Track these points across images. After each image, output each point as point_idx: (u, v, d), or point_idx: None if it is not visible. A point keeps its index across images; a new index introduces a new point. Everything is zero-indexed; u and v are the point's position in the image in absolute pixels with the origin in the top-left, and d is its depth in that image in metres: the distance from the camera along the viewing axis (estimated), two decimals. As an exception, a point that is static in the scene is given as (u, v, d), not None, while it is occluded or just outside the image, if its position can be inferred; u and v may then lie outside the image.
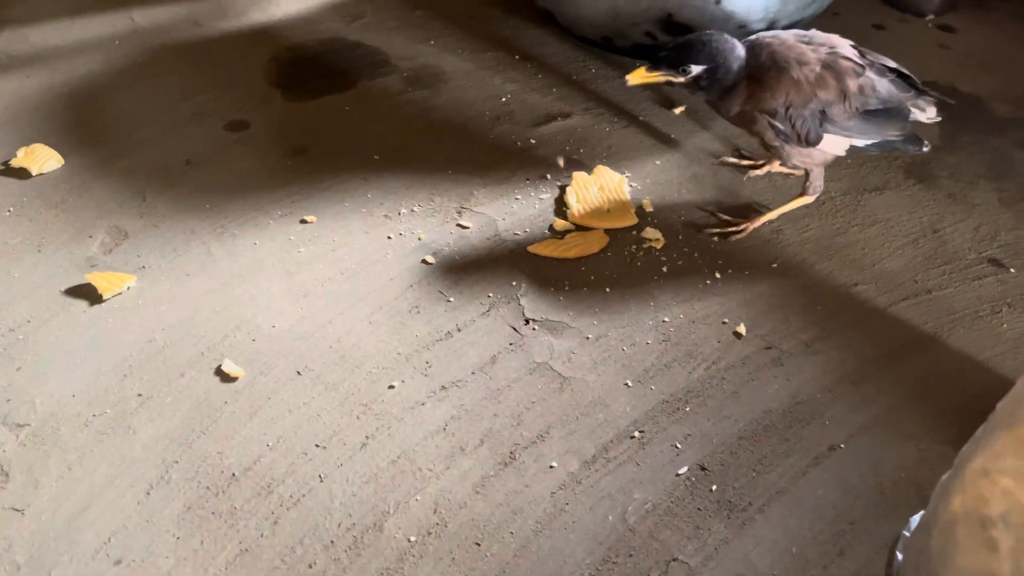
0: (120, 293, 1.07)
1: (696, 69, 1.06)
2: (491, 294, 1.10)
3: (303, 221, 1.19)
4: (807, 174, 1.16)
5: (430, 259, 1.14)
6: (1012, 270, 1.18)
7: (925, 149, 1.14)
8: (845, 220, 1.25)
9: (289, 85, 1.48)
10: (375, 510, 0.86)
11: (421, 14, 1.73)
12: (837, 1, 1.61)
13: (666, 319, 1.08)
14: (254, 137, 1.35)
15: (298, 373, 0.99)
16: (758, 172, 1.31)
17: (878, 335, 1.07)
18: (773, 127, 1.09)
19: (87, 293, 1.07)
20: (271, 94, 1.45)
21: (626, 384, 0.99)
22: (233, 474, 0.88)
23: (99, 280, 1.07)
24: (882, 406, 0.99)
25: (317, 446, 0.91)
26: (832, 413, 0.98)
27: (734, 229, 1.20)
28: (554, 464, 0.91)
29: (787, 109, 1.07)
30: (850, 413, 0.98)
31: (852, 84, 1.06)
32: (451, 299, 1.09)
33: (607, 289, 1.11)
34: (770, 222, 1.22)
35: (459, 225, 1.20)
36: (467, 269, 1.13)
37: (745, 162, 1.33)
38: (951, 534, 0.63)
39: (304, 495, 0.87)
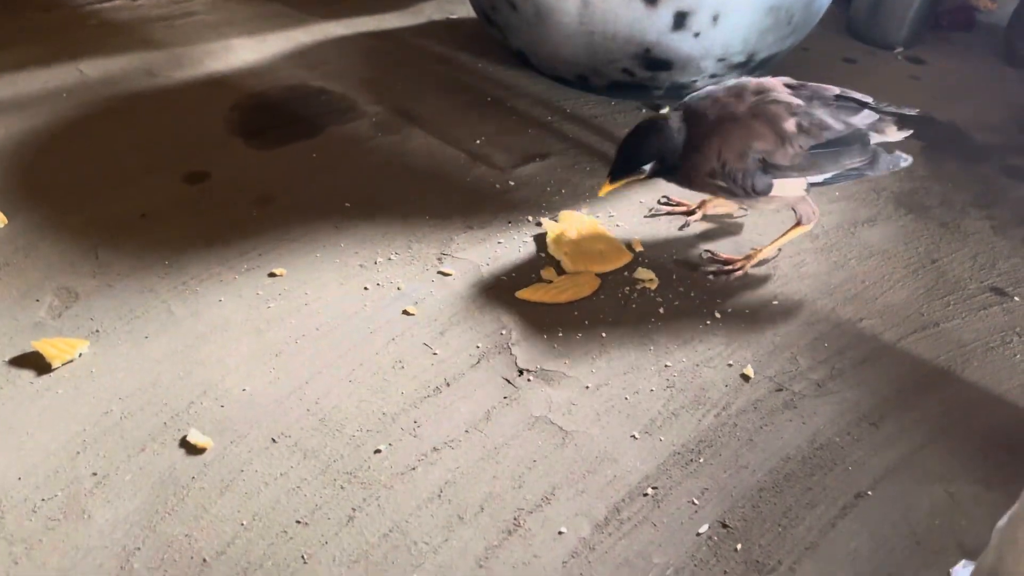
0: (71, 361, 0.97)
1: (648, 167, 1.06)
2: (480, 344, 1.02)
3: (272, 274, 1.11)
4: (793, 208, 1.11)
5: (411, 310, 1.06)
6: (1016, 298, 1.14)
7: (904, 164, 1.09)
8: (841, 254, 1.21)
9: (252, 133, 1.40)
10: (367, 593, 0.76)
11: (388, 58, 1.67)
12: (807, 37, 1.59)
13: (668, 363, 1.01)
14: (215, 188, 1.27)
15: (273, 441, 0.89)
16: (695, 218, 1.25)
17: (891, 372, 1.02)
18: (717, 186, 1.06)
19: (34, 362, 0.96)
20: (233, 143, 1.37)
21: (633, 436, 0.92)
22: (204, 559, 0.78)
23: (47, 347, 0.96)
24: (905, 447, 0.93)
25: (298, 522, 0.81)
26: (854, 457, 0.91)
27: (730, 268, 1.15)
28: (563, 529, 0.82)
29: (723, 167, 1.04)
30: (873, 456, 0.91)
31: (789, 126, 1.02)
32: (437, 351, 1.01)
33: (603, 334, 1.04)
34: (766, 258, 1.17)
35: (440, 272, 1.13)
36: (452, 319, 1.05)
37: (679, 209, 1.27)
38: (1032, 591, 0.56)
39: (286, 579, 0.77)
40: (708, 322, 1.07)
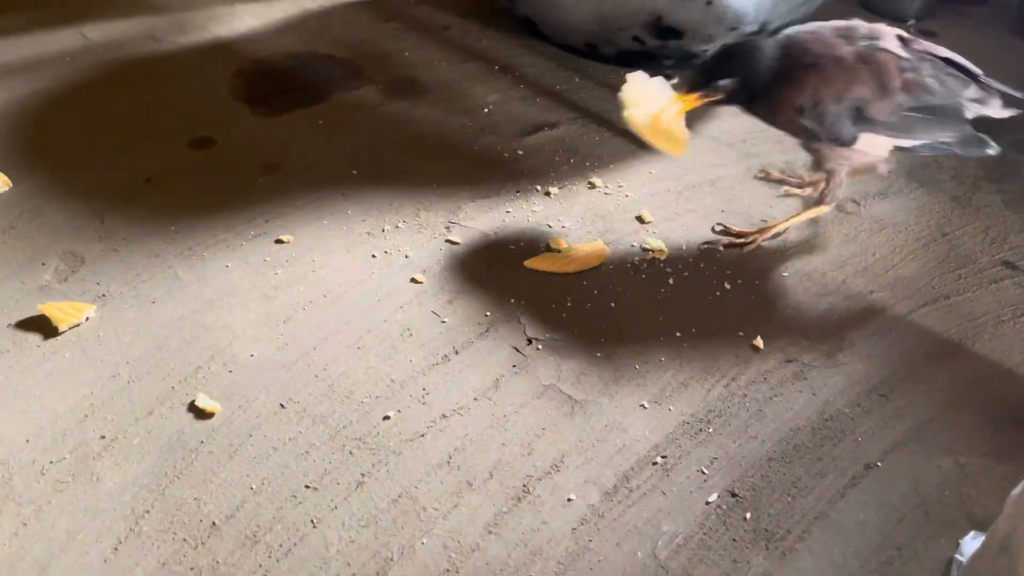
0: (78, 324, 0.96)
1: (726, 83, 1.00)
2: (489, 313, 1.01)
3: (279, 241, 1.10)
4: (827, 179, 1.08)
5: (420, 278, 1.05)
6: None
7: (990, 151, 1.03)
8: (852, 227, 1.20)
9: (257, 99, 1.38)
10: (377, 557, 0.76)
11: (394, 25, 1.65)
12: (819, 8, 1.57)
13: (678, 333, 1.00)
14: (222, 154, 1.25)
15: (281, 406, 0.89)
16: (798, 192, 1.21)
17: (901, 344, 1.01)
18: (801, 125, 1.01)
19: (40, 326, 0.96)
20: (238, 109, 1.36)
21: (642, 405, 0.91)
22: (213, 523, 0.78)
23: (54, 311, 0.96)
24: (915, 419, 0.92)
25: (307, 487, 0.81)
26: (864, 429, 0.91)
27: (743, 241, 1.13)
28: (572, 497, 0.82)
29: (815, 105, 0.99)
30: (882, 428, 0.91)
31: (894, 80, 0.97)
32: (445, 320, 1.00)
33: (612, 304, 1.04)
34: (778, 232, 1.16)
35: (448, 241, 1.12)
36: (460, 287, 1.05)
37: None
38: (1047, 559, 0.56)
39: (295, 544, 0.76)
40: (718, 293, 1.06)
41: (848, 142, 1.01)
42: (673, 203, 1.22)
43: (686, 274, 1.09)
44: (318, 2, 1.73)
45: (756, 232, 1.14)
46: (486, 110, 1.40)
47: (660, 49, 1.41)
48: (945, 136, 1.01)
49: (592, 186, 1.24)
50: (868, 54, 0.98)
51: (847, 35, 1.00)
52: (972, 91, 1.01)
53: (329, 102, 1.39)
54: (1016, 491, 0.66)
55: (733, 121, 1.43)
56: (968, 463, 0.88)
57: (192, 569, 0.74)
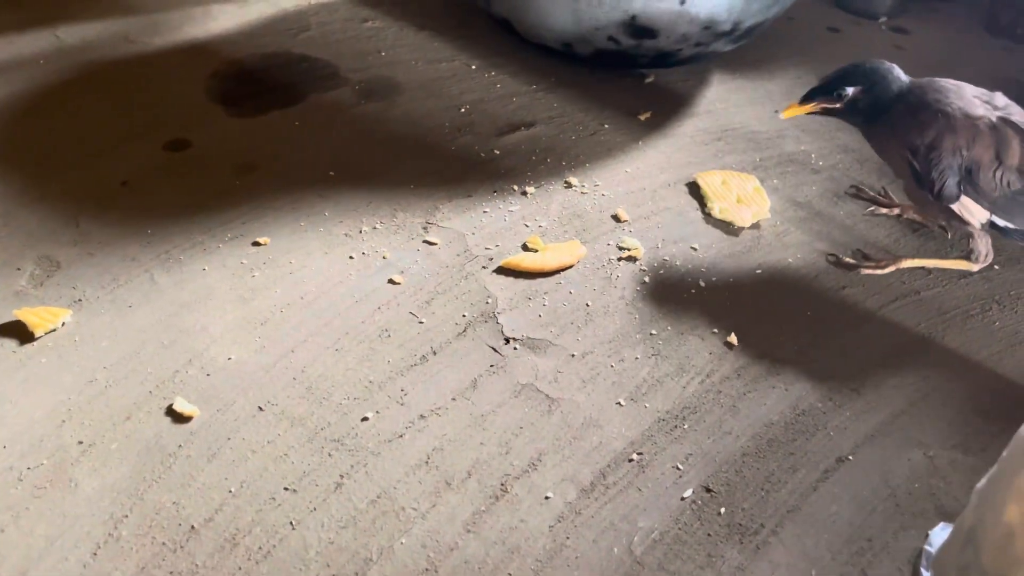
0: (54, 330, 0.96)
1: (851, 91, 1.01)
2: (466, 313, 1.02)
3: (256, 243, 1.10)
4: (967, 238, 1.05)
5: (397, 278, 1.06)
6: (996, 267, 1.16)
7: None
8: (824, 223, 1.21)
9: (233, 101, 1.38)
10: (356, 558, 0.77)
11: (370, 26, 1.65)
12: (792, 6, 1.58)
13: (653, 331, 1.01)
14: (197, 156, 1.25)
15: (260, 409, 0.89)
16: (885, 212, 1.21)
17: (872, 339, 1.03)
18: (910, 165, 1.00)
19: (16, 331, 0.95)
20: (213, 111, 1.36)
21: (618, 403, 0.93)
22: (192, 526, 0.78)
23: (29, 316, 0.95)
24: (885, 412, 0.94)
25: (286, 489, 0.82)
26: (836, 423, 0.92)
27: (872, 266, 1.13)
28: (550, 494, 0.83)
29: (930, 150, 0.98)
30: (854, 422, 0.93)
31: (1014, 156, 0.96)
32: (423, 320, 1.01)
33: (588, 303, 1.05)
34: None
35: (426, 242, 1.12)
36: (438, 287, 1.05)
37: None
38: (1009, 547, 0.58)
39: (274, 546, 0.77)
40: (693, 291, 1.08)
41: (948, 199, 1.00)
42: (648, 202, 1.23)
43: (661, 272, 1.10)
44: (294, 3, 1.72)
45: (890, 262, 1.13)
46: (463, 110, 1.41)
47: (635, 48, 1.42)
48: None
49: (568, 185, 1.25)
50: (999, 124, 0.97)
51: (988, 100, 0.99)
52: None
53: (305, 103, 1.39)
54: (981, 483, 0.68)
55: (709, 120, 1.44)
56: (937, 455, 0.90)
57: (171, 573, 0.74)
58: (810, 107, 1.05)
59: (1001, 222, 1.01)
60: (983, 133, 0.97)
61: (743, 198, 1.22)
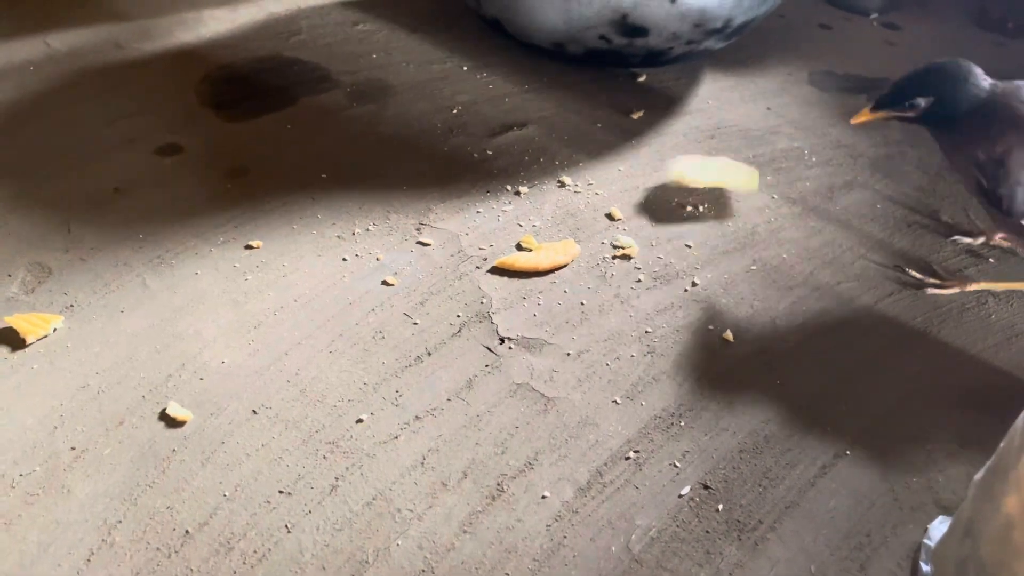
0: (46, 336, 0.95)
1: (924, 102, 0.96)
2: (460, 314, 1.02)
3: (248, 247, 1.09)
4: None
5: (391, 280, 1.05)
6: (991, 260, 1.16)
7: None
8: (819, 219, 1.21)
9: (224, 105, 1.38)
10: (352, 560, 0.76)
11: (361, 29, 1.65)
12: (783, 3, 1.59)
13: (648, 329, 1.01)
14: (189, 160, 1.25)
15: (254, 412, 0.89)
16: (971, 241, 1.17)
17: (868, 333, 1.03)
18: (975, 176, 0.95)
19: (8, 338, 0.95)
20: (205, 115, 1.35)
21: (614, 401, 0.92)
22: (187, 531, 0.77)
23: (21, 323, 0.95)
24: (881, 407, 0.94)
25: (281, 492, 0.81)
26: (832, 418, 0.92)
27: (938, 284, 1.10)
28: (547, 494, 0.82)
29: (999, 162, 0.91)
30: (850, 417, 0.92)
31: None
32: (417, 321, 1.00)
33: (583, 302, 1.04)
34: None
35: (419, 243, 1.12)
36: (432, 288, 1.05)
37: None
38: (1008, 537, 0.57)
39: (270, 549, 0.76)
40: (688, 288, 1.08)
41: (1017, 215, 0.94)
42: (642, 200, 1.23)
43: (656, 270, 1.10)
44: (284, 6, 1.72)
45: (956, 283, 1.10)
46: (455, 111, 1.40)
47: (626, 47, 1.42)
48: None
49: (562, 185, 1.24)
50: None
51: None
52: None
53: (297, 106, 1.39)
54: (979, 475, 0.67)
55: (701, 118, 1.44)
56: (935, 449, 0.89)
57: (166, 578, 0.74)
58: (882, 115, 1.00)
59: None
60: None
61: (726, 174, 1.25)
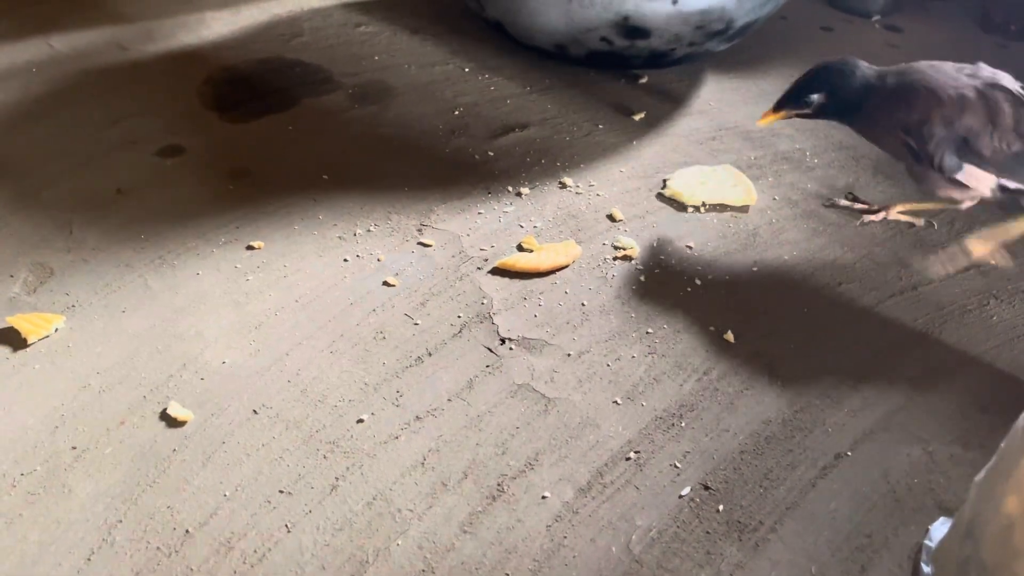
0: (47, 336, 0.95)
1: (816, 97, 1.05)
2: (461, 314, 1.02)
3: (250, 247, 1.10)
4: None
5: (392, 281, 1.06)
6: (993, 262, 1.15)
7: None
8: (820, 220, 1.21)
9: (226, 106, 1.38)
10: (352, 560, 0.76)
11: (363, 30, 1.65)
12: (785, 5, 1.59)
13: (649, 330, 1.01)
14: (191, 161, 1.25)
15: (254, 412, 0.89)
16: (873, 218, 1.21)
17: (870, 335, 1.03)
18: (907, 144, 1.02)
19: (9, 338, 0.95)
20: (207, 116, 1.35)
21: (615, 401, 0.92)
22: (187, 531, 0.77)
23: (22, 323, 0.95)
24: (883, 408, 0.93)
25: (281, 492, 0.81)
26: (834, 419, 0.92)
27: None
28: (547, 494, 0.82)
29: (922, 125, 1.00)
30: (852, 418, 0.92)
31: (1007, 118, 0.98)
32: (418, 322, 1.00)
33: (584, 302, 1.04)
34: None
35: (420, 243, 1.12)
36: (433, 289, 1.05)
37: (858, 206, 1.23)
38: (1009, 538, 0.57)
39: (270, 549, 0.76)
40: (689, 289, 1.07)
41: (949, 171, 1.01)
42: (644, 201, 1.23)
43: (657, 271, 1.10)
44: (286, 8, 1.72)
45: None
46: (457, 113, 1.40)
47: (628, 49, 1.42)
48: None
49: (563, 186, 1.25)
50: (986, 90, 0.99)
51: (971, 73, 1.01)
52: None
53: (299, 107, 1.39)
54: (980, 476, 0.67)
55: (703, 119, 1.44)
56: (936, 450, 0.89)
57: (166, 578, 0.74)
58: (783, 114, 1.09)
59: (1011, 184, 1.02)
60: (971, 101, 0.98)
61: (724, 190, 1.25)
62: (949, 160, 1.01)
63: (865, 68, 1.04)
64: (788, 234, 1.18)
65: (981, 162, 1.00)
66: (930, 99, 1.00)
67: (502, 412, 0.90)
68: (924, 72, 1.02)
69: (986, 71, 1.02)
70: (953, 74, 1.02)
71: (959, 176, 1.02)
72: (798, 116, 1.09)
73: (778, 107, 1.08)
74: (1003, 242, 1.14)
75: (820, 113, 1.07)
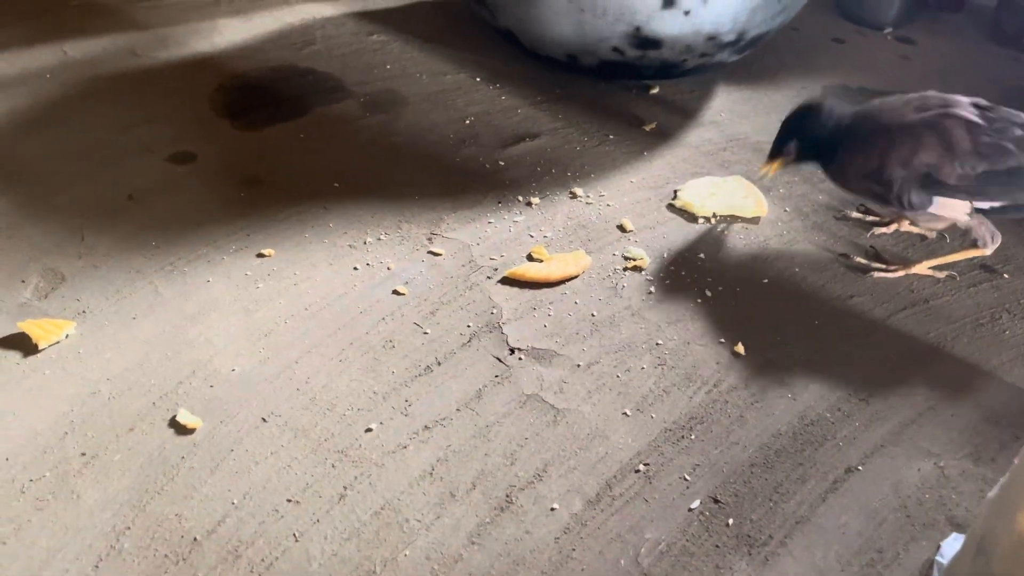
0: (58, 342, 0.96)
1: (793, 144, 1.07)
2: (471, 324, 1.02)
3: (260, 255, 1.10)
4: (967, 231, 1.05)
5: (402, 289, 1.06)
6: (1005, 275, 1.15)
7: None
8: (831, 233, 1.21)
9: (238, 114, 1.39)
10: (359, 570, 0.76)
11: (375, 39, 1.66)
12: (796, 16, 1.58)
13: (659, 342, 1.01)
14: (202, 168, 1.26)
15: (263, 420, 0.89)
16: (884, 230, 1.21)
17: (881, 348, 1.02)
18: (870, 188, 1.03)
19: (20, 343, 0.95)
20: (219, 124, 1.36)
21: (624, 413, 0.92)
22: (195, 538, 0.77)
23: (34, 328, 0.95)
24: (894, 422, 0.93)
25: (289, 501, 0.81)
26: (844, 433, 0.91)
27: (883, 269, 1.14)
28: (555, 506, 0.82)
29: (882, 170, 1.00)
30: (863, 432, 0.92)
31: (963, 142, 0.97)
32: (428, 331, 1.00)
33: (594, 313, 1.04)
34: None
35: (431, 252, 1.12)
36: (443, 298, 1.05)
37: (870, 218, 1.23)
38: (1021, 556, 0.57)
39: (277, 557, 0.76)
40: (699, 300, 1.07)
41: (919, 206, 1.02)
42: (654, 212, 1.23)
43: (667, 282, 1.10)
44: (299, 16, 1.73)
45: (902, 267, 1.14)
46: (467, 122, 1.41)
47: (639, 59, 1.43)
48: None
49: (573, 196, 1.24)
50: (935, 120, 0.99)
51: (919, 105, 1.02)
52: None
53: (310, 116, 1.39)
54: (993, 492, 0.67)
55: (714, 130, 1.44)
56: (948, 465, 0.89)
57: (173, 585, 0.74)
58: (777, 164, 1.11)
59: (984, 205, 1.01)
60: (923, 135, 0.99)
61: (734, 201, 1.25)
62: (916, 198, 1.01)
63: (837, 110, 1.05)
64: (799, 246, 1.18)
65: (950, 191, 1.00)
66: (883, 143, 1.01)
67: (511, 422, 0.90)
68: (875, 115, 1.03)
69: (934, 99, 1.02)
70: (901, 111, 1.02)
71: (932, 210, 1.02)
72: (788, 164, 1.11)
73: (770, 158, 1.10)
74: (938, 265, 1.13)
75: (804, 159, 1.09)
